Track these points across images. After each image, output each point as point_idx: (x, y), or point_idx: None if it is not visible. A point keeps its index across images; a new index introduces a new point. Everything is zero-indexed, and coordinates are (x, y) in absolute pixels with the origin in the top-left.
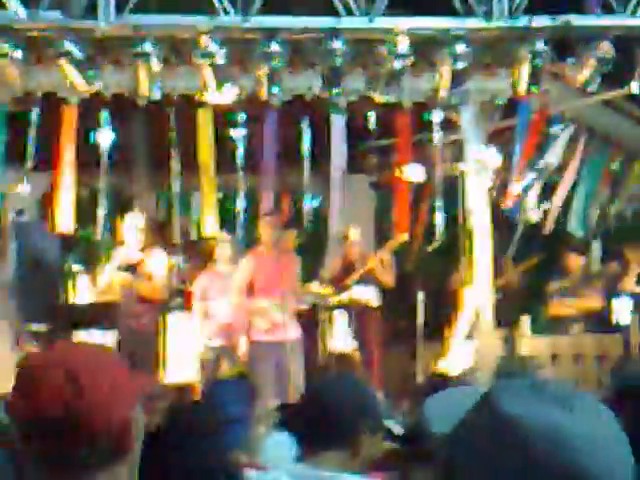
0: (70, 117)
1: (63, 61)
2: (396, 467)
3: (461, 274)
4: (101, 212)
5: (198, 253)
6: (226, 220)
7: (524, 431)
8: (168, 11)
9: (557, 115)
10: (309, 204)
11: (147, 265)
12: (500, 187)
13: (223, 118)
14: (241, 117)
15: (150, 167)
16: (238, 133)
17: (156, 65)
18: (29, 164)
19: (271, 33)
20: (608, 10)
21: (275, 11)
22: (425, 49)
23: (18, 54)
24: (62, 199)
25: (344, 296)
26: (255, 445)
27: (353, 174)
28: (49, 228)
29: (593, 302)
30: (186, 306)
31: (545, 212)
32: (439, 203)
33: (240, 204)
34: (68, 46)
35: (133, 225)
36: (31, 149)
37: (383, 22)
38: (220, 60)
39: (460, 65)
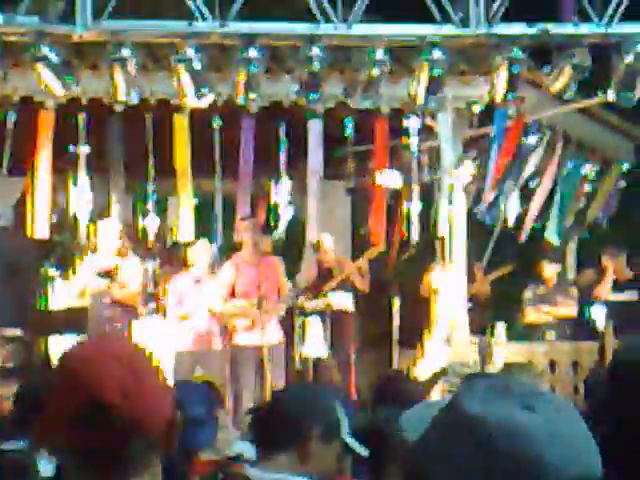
0: (46, 122)
1: (40, 66)
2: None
3: (429, 280)
4: (81, 217)
5: (173, 258)
6: (202, 225)
7: (486, 429)
8: (145, 16)
9: (533, 122)
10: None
11: (121, 270)
12: (475, 194)
13: (200, 123)
14: (218, 122)
15: (126, 172)
16: (215, 139)
17: (133, 70)
18: (4, 168)
19: (249, 39)
20: (585, 18)
21: (253, 17)
22: (402, 55)
23: None
24: (38, 204)
25: (320, 303)
26: (219, 448)
27: (330, 180)
28: (24, 233)
29: (568, 309)
30: (160, 311)
31: (520, 219)
32: (415, 209)
33: (217, 209)
34: (45, 51)
35: (107, 230)
36: (7, 153)
37: (361, 29)
38: (197, 65)
39: (437, 72)
